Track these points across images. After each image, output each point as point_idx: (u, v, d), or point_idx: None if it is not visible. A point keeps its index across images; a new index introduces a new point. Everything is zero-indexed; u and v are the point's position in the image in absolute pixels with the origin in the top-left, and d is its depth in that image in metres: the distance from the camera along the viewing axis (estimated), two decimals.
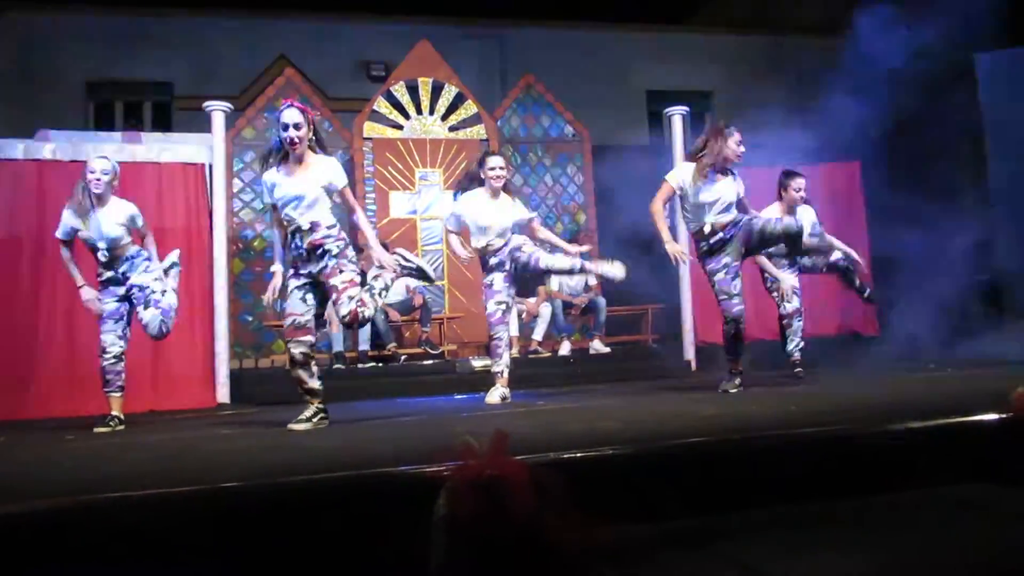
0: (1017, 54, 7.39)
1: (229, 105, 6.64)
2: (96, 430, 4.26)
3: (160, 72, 9.74)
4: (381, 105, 8.10)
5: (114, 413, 4.42)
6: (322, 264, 3.69)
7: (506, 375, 4.64)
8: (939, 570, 1.61)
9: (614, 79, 10.70)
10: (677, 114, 7.44)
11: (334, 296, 3.68)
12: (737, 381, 4.38)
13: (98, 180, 4.35)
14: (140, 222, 4.50)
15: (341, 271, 3.68)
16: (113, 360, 4.43)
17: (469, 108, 8.30)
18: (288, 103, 3.71)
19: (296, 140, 3.64)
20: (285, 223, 3.77)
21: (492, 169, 4.68)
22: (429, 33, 8.77)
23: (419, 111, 8.18)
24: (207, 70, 9.59)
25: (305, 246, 3.69)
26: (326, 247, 3.67)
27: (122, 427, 4.37)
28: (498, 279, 4.69)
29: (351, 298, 3.64)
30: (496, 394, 4.57)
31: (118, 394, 4.46)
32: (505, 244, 4.68)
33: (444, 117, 8.23)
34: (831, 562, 1.67)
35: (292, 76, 8.24)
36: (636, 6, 10.77)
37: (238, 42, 9.86)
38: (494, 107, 8.68)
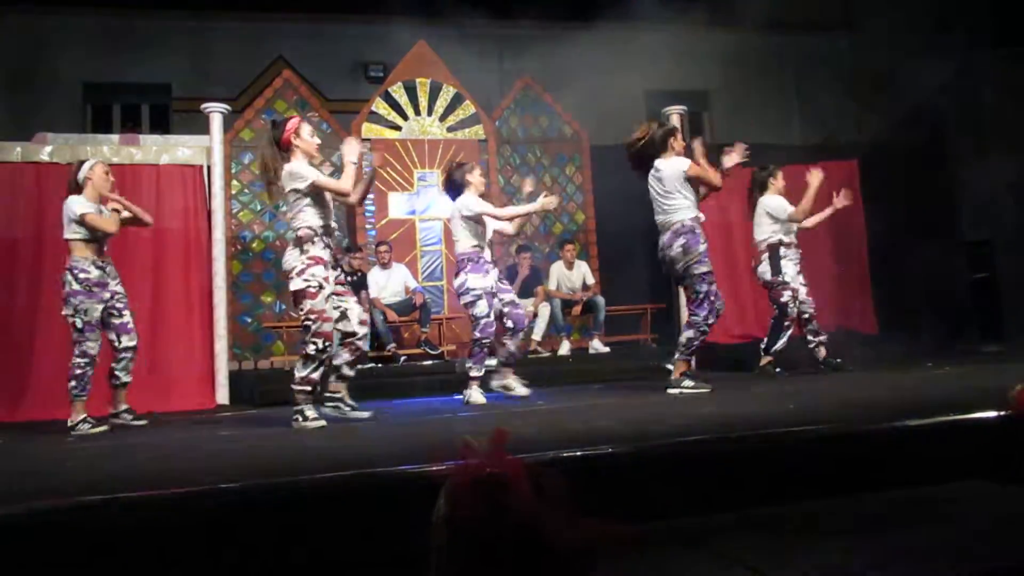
0: (1017, 53, 7.40)
1: (227, 107, 6.64)
2: (91, 431, 4.32)
3: (158, 74, 9.72)
4: (379, 106, 8.10)
5: (86, 415, 4.45)
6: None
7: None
8: (938, 568, 1.61)
9: (612, 79, 10.69)
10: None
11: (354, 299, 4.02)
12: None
13: None
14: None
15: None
16: (92, 367, 4.47)
17: (467, 109, 8.30)
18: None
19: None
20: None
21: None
22: (427, 34, 8.76)
23: (417, 112, 8.18)
24: (205, 72, 9.58)
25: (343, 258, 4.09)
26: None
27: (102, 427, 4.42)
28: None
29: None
30: (478, 393, 4.70)
31: (85, 398, 4.50)
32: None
33: (442, 118, 8.22)
34: (829, 560, 1.67)
35: (290, 78, 8.24)
36: (633, 5, 10.75)
37: (236, 44, 9.84)
38: (492, 107, 8.67)
